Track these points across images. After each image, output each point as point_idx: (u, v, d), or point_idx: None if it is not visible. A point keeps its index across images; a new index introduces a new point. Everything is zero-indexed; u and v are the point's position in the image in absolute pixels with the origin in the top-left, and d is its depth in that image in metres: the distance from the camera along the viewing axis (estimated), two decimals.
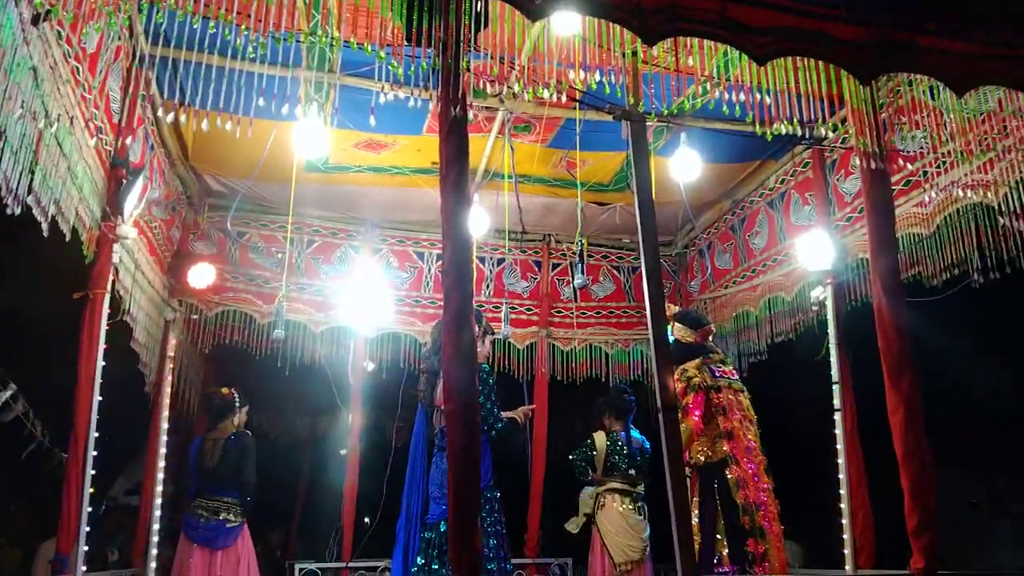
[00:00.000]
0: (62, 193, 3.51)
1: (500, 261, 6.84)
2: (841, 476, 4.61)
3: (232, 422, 5.62)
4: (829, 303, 4.91)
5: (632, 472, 5.68)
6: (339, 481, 6.20)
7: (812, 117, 3.77)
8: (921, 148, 4.27)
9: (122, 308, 4.48)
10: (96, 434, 3.99)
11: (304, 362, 6.28)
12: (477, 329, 4.05)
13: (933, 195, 4.29)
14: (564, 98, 3.29)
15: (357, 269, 6.28)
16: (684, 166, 5.10)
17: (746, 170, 5.94)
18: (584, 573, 6.04)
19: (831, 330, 4.87)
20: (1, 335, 4.30)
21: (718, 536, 4.47)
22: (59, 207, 3.49)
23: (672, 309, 5.05)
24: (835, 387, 4.75)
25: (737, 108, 3.46)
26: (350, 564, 5.83)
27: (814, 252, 4.92)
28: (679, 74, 3.81)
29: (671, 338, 4.83)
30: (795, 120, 3.52)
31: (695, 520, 4.45)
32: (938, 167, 4.24)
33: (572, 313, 6.86)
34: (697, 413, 4.54)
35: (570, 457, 5.83)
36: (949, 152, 4.10)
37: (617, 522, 5.54)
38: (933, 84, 3.91)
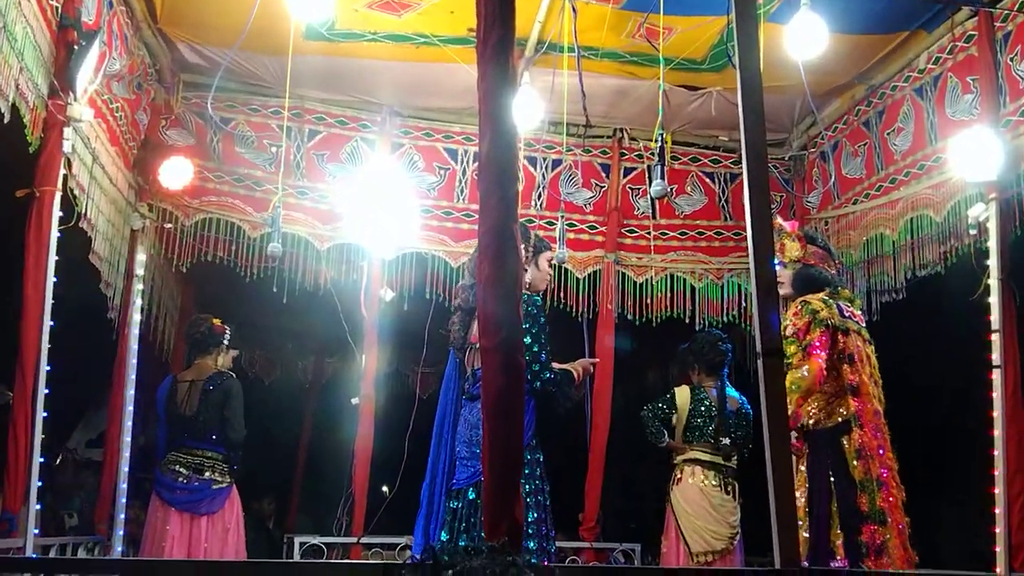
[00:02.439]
0: None
1: (556, 163, 6.77)
2: (997, 452, 4.55)
3: (214, 360, 5.80)
4: (992, 226, 4.77)
5: (725, 441, 5.69)
6: (350, 438, 6.35)
7: None
8: None
9: (77, 211, 4.56)
10: (48, 368, 4.13)
11: (306, 287, 6.37)
12: (523, 248, 4.06)
13: None
14: None
15: (372, 170, 6.28)
16: (805, 37, 4.92)
17: (888, 44, 5.72)
18: (656, 562, 6.13)
19: (993, 262, 4.74)
20: None
21: (831, 523, 4.48)
22: None
23: (782, 224, 4.97)
24: (995, 336, 4.66)
25: None
26: (363, 539, 6.00)
27: (975, 157, 4.76)
28: None
29: (787, 263, 4.79)
30: None
31: (800, 502, 4.46)
32: None
33: (649, 233, 6.80)
34: (823, 354, 4.49)
35: (642, 412, 5.86)
36: None
37: (696, 502, 5.59)
38: None
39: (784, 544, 2.60)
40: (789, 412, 4.19)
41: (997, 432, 4.57)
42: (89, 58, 4.21)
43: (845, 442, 4.49)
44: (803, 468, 4.61)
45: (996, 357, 4.61)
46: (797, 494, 4.47)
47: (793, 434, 4.52)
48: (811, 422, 4.63)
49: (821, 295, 4.70)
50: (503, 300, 2.64)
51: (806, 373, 4.43)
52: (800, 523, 4.40)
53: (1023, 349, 4.63)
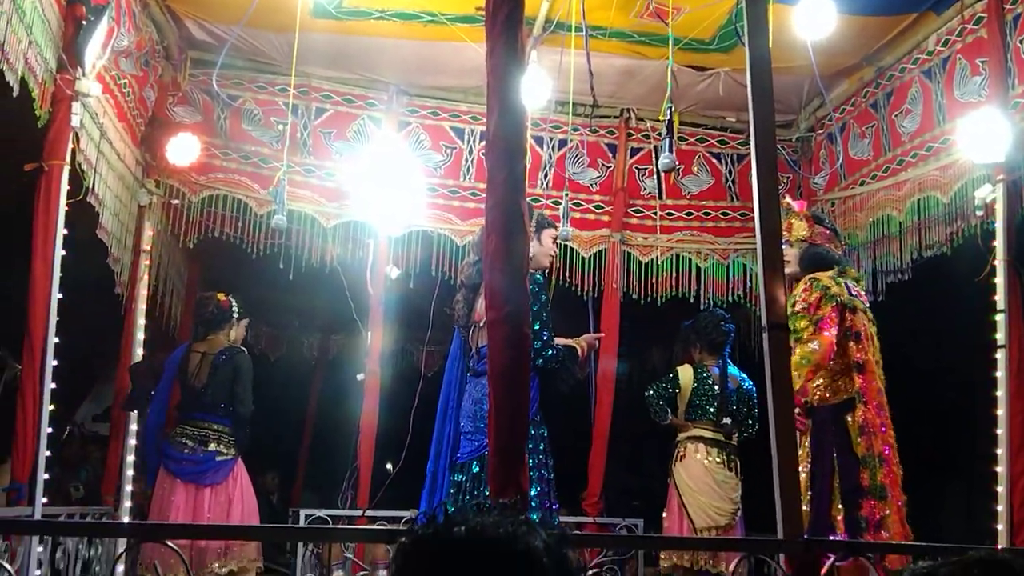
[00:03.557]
0: (6, 34, 3.56)
1: (562, 143, 6.76)
2: (1000, 431, 4.56)
3: (227, 335, 5.81)
4: (999, 207, 4.76)
5: (726, 420, 5.73)
6: (355, 413, 6.38)
7: None
8: None
9: (85, 185, 4.58)
10: (56, 340, 4.16)
11: (312, 265, 6.39)
12: (529, 226, 4.08)
13: None
14: None
15: (378, 148, 6.29)
16: (814, 18, 4.91)
17: (897, 26, 5.69)
18: None
19: (1000, 243, 4.74)
20: None
21: (832, 498, 4.51)
22: (2, 52, 3.54)
23: (791, 203, 5.00)
24: (999, 317, 4.66)
25: None
26: (367, 513, 6.04)
27: (983, 138, 4.75)
28: None
29: (793, 242, 4.82)
30: None
31: (801, 477, 4.48)
32: None
33: (655, 213, 6.80)
34: (834, 330, 4.51)
35: (646, 393, 5.89)
36: None
37: (700, 477, 5.64)
38: None
39: (788, 516, 2.62)
40: (797, 387, 4.29)
41: (1000, 411, 4.59)
42: (97, 33, 4.23)
43: (849, 419, 4.52)
44: (806, 444, 4.65)
45: (1001, 337, 4.62)
46: (801, 471, 4.50)
47: (796, 410, 4.55)
48: (815, 399, 4.66)
49: (829, 273, 4.71)
50: (509, 274, 2.66)
51: (816, 347, 4.45)
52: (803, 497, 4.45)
53: None
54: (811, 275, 4.70)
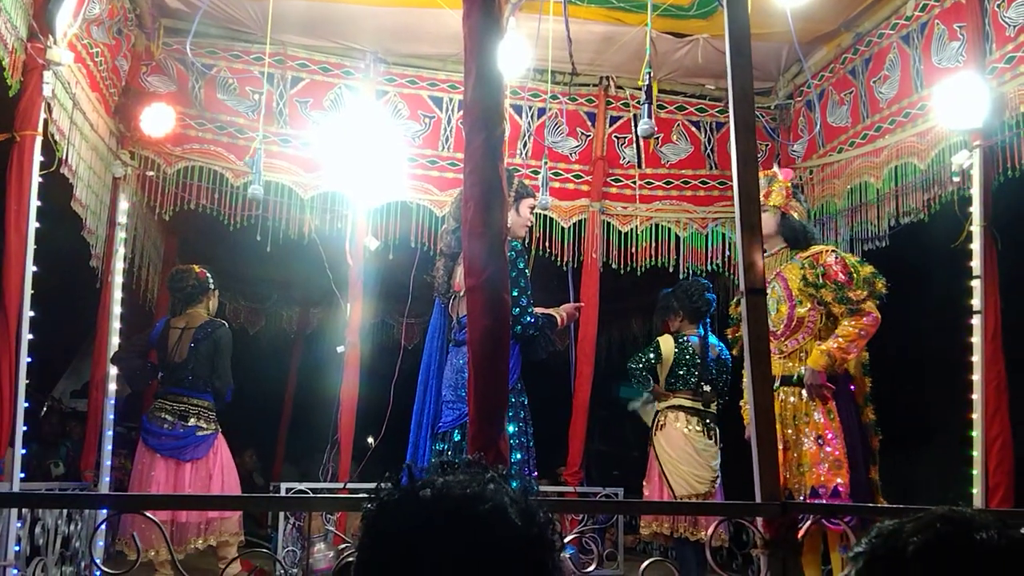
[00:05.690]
0: None
1: (541, 112, 6.74)
2: (975, 396, 4.61)
3: (205, 307, 5.80)
4: (976, 173, 4.79)
5: (705, 388, 5.77)
6: (335, 386, 6.37)
7: None
8: None
9: (58, 156, 4.53)
10: (32, 313, 4.13)
11: (290, 237, 6.36)
12: (508, 193, 4.07)
13: None
14: None
15: (356, 117, 6.24)
16: None
17: None
18: None
19: (976, 209, 4.77)
20: None
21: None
22: None
23: (777, 172, 5.10)
24: (975, 283, 4.70)
25: None
26: (349, 485, 6.05)
27: (960, 104, 4.77)
28: None
29: (770, 207, 4.89)
30: None
31: (842, 447, 4.65)
32: None
33: (634, 182, 6.80)
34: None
35: (629, 365, 5.92)
36: None
37: (680, 447, 5.68)
38: None
39: (765, 480, 2.65)
40: (850, 356, 4.61)
41: (976, 377, 4.63)
42: (68, 1, 4.17)
43: (853, 388, 4.76)
44: (824, 410, 4.74)
45: (976, 303, 4.66)
46: (829, 435, 4.64)
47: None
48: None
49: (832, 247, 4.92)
50: (488, 239, 2.66)
51: (872, 320, 4.65)
52: (840, 464, 4.61)
53: (1003, 295, 4.68)
54: (828, 248, 4.92)
